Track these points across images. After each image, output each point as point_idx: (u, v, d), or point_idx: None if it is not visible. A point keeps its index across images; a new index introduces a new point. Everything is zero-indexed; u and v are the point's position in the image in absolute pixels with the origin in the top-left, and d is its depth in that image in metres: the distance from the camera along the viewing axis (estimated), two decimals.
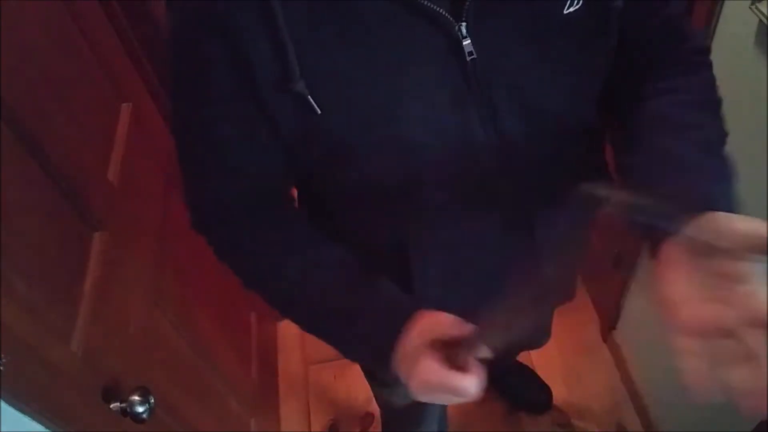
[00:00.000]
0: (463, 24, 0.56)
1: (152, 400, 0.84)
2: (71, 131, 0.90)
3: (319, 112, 0.57)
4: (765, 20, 0.88)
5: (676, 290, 0.50)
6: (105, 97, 1.08)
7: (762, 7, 0.88)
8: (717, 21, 1.03)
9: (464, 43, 0.56)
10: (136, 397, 0.83)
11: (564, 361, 1.84)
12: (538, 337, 1.36)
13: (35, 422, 0.69)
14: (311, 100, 0.56)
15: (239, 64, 0.55)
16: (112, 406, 0.82)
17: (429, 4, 0.54)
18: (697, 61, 0.71)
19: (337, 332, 0.65)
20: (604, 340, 1.86)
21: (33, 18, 0.87)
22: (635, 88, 0.69)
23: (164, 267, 1.14)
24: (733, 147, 1.08)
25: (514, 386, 1.74)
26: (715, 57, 1.06)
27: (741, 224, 0.49)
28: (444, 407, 1.51)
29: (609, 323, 1.79)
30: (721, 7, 1.01)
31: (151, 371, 1.00)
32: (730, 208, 0.55)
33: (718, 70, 1.06)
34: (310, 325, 0.67)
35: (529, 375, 1.78)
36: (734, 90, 1.04)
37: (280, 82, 0.55)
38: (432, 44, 0.57)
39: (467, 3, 0.55)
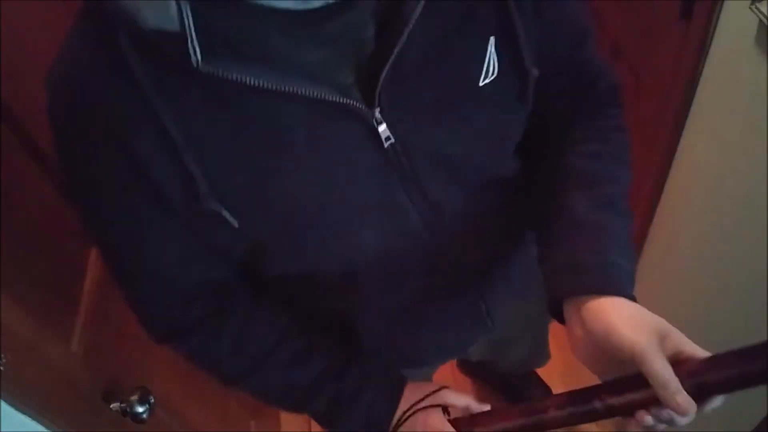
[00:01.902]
0: (377, 110, 0.53)
1: (152, 400, 0.84)
2: None
3: (237, 225, 0.54)
4: (765, 20, 0.88)
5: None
6: None
7: (762, 7, 0.88)
8: (717, 21, 1.03)
9: (380, 129, 0.54)
10: (136, 397, 0.83)
11: (564, 361, 1.84)
12: (537, 361, 1.35)
13: (35, 422, 0.69)
14: (226, 215, 0.53)
15: (147, 185, 0.52)
16: (112, 406, 0.82)
17: (340, 99, 0.51)
18: (606, 102, 0.71)
19: (333, 416, 0.70)
20: None
21: (33, 18, 0.87)
22: (546, 136, 0.70)
23: None
24: (733, 147, 1.09)
25: (515, 387, 1.75)
26: (715, 57, 1.06)
27: (623, 336, 0.55)
28: None
29: None
30: (721, 7, 1.01)
31: (151, 371, 1.00)
32: (627, 267, 0.61)
33: (718, 70, 1.07)
34: (302, 410, 0.72)
35: (529, 376, 1.78)
36: (734, 90, 1.04)
37: (190, 201, 0.53)
38: (348, 136, 0.54)
39: (378, 89, 0.52)
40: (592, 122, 0.69)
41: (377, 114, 0.54)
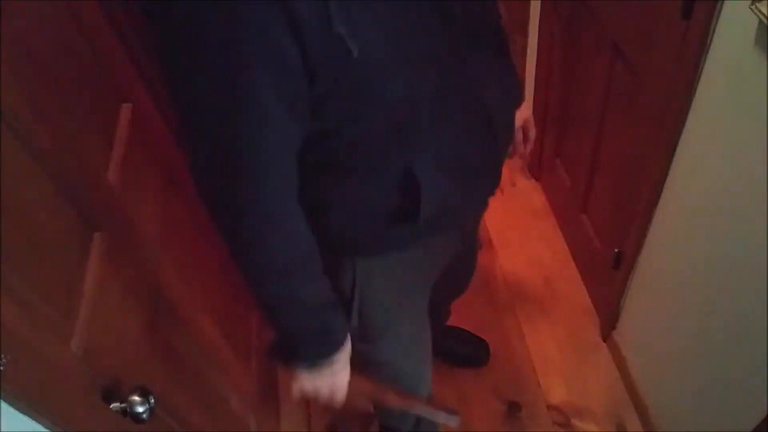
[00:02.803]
0: None
1: (152, 400, 0.84)
2: (71, 131, 0.90)
3: (356, 55, 0.64)
4: (765, 20, 0.88)
5: None
6: (105, 97, 1.08)
7: (762, 7, 0.88)
8: (717, 21, 1.03)
9: None
10: (136, 397, 0.83)
11: (564, 361, 1.84)
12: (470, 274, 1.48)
13: (35, 422, 0.69)
14: (349, 41, 0.63)
15: (286, 18, 0.59)
16: (112, 406, 0.82)
17: None
18: None
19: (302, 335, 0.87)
20: (604, 340, 1.86)
21: (33, 18, 0.87)
22: None
23: (164, 267, 1.14)
24: (733, 147, 1.08)
25: (452, 347, 1.83)
26: (715, 57, 1.07)
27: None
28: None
29: (609, 323, 1.79)
30: (721, 7, 1.01)
31: (151, 371, 1.00)
32: None
33: (718, 70, 1.07)
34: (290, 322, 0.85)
35: (464, 334, 1.87)
36: (734, 90, 1.04)
37: (322, 23, 0.61)
38: None
39: None
40: None
41: None
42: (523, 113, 1.15)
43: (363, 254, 0.95)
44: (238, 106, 0.64)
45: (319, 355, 0.89)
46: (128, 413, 0.82)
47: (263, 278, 0.80)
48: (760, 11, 0.89)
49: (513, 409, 1.74)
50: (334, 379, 0.93)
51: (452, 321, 1.76)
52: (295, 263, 0.80)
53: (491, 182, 0.99)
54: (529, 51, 2.10)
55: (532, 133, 1.18)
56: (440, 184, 0.85)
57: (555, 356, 1.86)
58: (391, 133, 0.78)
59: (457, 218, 1.00)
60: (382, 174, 0.83)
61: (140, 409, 0.82)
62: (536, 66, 2.08)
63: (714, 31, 1.04)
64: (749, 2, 0.90)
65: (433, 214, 0.87)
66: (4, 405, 0.64)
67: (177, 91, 0.66)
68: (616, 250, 1.63)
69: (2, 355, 0.62)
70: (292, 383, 0.93)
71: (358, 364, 0.98)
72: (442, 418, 1.13)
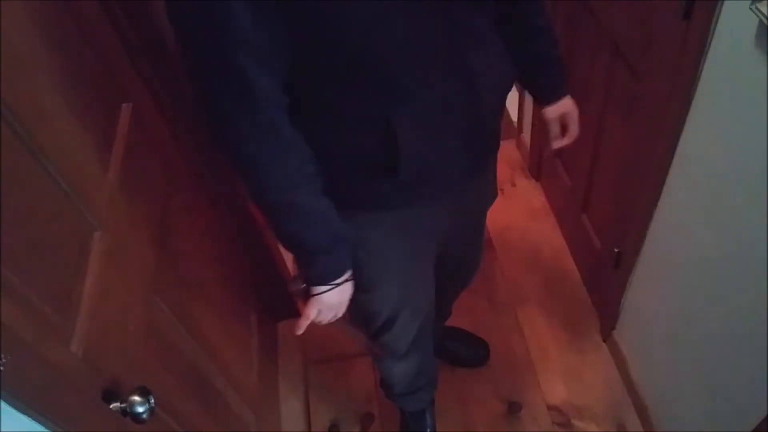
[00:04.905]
0: None
1: (152, 400, 0.84)
2: (71, 131, 0.90)
3: None
4: (765, 20, 0.88)
5: None
6: (105, 97, 1.08)
7: (762, 7, 0.88)
8: (717, 21, 1.03)
9: None
10: (136, 397, 0.83)
11: (564, 361, 1.84)
12: (478, 255, 1.50)
13: (35, 422, 0.69)
14: None
15: None
16: (112, 406, 0.82)
17: None
18: None
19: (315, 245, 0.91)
20: (604, 340, 1.86)
21: (33, 18, 0.87)
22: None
23: (164, 267, 1.14)
24: (733, 146, 1.08)
25: (452, 348, 1.84)
26: (715, 57, 1.07)
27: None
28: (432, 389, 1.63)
29: (609, 323, 1.79)
30: (721, 7, 1.01)
31: (151, 371, 1.00)
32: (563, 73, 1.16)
33: (718, 70, 1.07)
34: (296, 235, 0.90)
35: (464, 334, 1.88)
36: (734, 90, 1.04)
37: None
38: None
39: None
40: None
41: None
42: (563, 105, 1.17)
43: (354, 207, 0.98)
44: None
45: (328, 271, 0.95)
46: (128, 413, 0.82)
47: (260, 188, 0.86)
48: (760, 11, 0.89)
49: (513, 409, 1.74)
50: (342, 296, 0.99)
51: (452, 321, 1.76)
52: (293, 176, 0.85)
53: (477, 152, 1.02)
54: None
55: (573, 128, 1.19)
56: (419, 141, 0.88)
57: (555, 356, 1.86)
58: (370, 82, 0.82)
59: (441, 184, 1.01)
60: (362, 123, 0.86)
61: (140, 409, 0.82)
62: None
63: (714, 31, 1.04)
64: (749, 2, 0.90)
65: (415, 174, 0.91)
66: (4, 405, 0.64)
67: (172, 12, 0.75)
68: (616, 250, 1.63)
69: (2, 355, 0.62)
70: (308, 308, 0.98)
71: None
72: None
